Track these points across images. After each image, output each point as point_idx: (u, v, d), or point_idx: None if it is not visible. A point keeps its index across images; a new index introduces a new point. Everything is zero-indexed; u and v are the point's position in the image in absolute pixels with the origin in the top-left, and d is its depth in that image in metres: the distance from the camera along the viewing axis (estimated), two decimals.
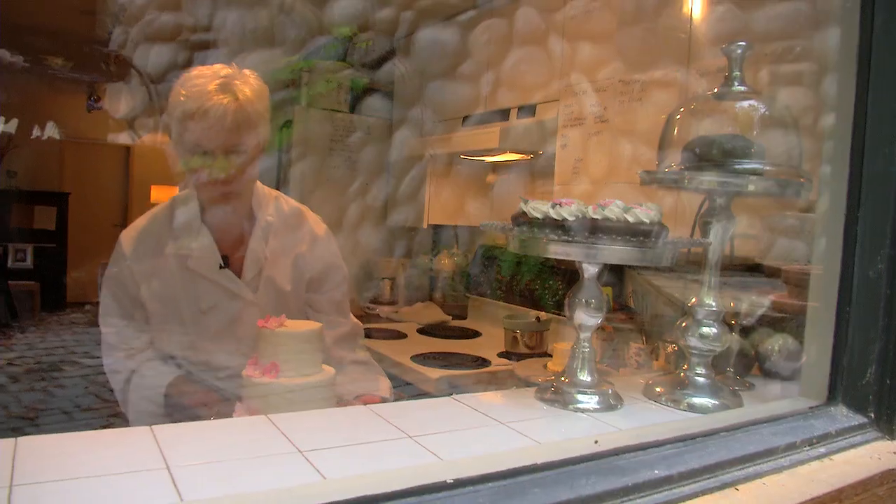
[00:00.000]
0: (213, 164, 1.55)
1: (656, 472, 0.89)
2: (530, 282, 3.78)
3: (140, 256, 1.65)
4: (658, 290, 2.66)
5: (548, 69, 3.61)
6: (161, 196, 7.70)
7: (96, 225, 8.56)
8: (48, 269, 7.66)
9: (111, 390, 1.69)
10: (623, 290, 3.31)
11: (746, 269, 1.98)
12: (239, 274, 1.71)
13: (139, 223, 1.73)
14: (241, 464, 0.89)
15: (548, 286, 3.68)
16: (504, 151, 3.63)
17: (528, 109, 3.67)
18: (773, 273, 1.95)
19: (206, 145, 1.54)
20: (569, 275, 3.56)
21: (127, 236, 1.70)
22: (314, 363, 1.45)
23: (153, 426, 1.00)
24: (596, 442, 0.91)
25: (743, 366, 1.63)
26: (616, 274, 3.23)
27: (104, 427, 3.26)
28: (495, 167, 4.10)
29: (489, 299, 3.99)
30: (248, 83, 1.59)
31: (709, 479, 0.93)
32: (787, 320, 1.72)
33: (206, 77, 1.56)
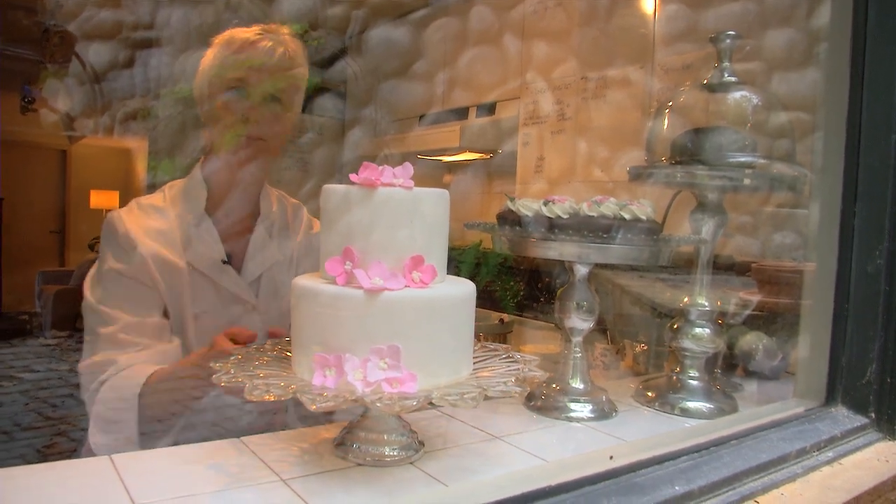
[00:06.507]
0: (251, 108, 1.38)
1: (676, 488, 0.82)
2: (490, 283, 3.71)
3: (151, 248, 1.38)
4: (622, 288, 2.62)
5: (505, 67, 3.55)
6: (101, 202, 7.39)
7: (32, 231, 8.19)
8: None
9: (53, 406, 1.45)
10: None
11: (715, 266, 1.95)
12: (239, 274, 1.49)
13: (132, 209, 1.45)
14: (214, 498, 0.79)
15: (508, 287, 3.62)
16: (463, 151, 3.57)
17: (487, 108, 3.61)
18: (741, 270, 1.93)
19: (249, 82, 1.39)
20: (528, 275, 3.50)
21: (130, 222, 1.40)
22: None
23: (113, 455, 0.89)
24: (611, 458, 0.84)
25: (727, 366, 1.59)
26: None
27: (47, 447, 3.07)
28: (451, 167, 4.03)
29: None
30: (292, 39, 1.45)
31: (728, 492, 0.87)
32: (759, 318, 1.68)
33: (245, 30, 1.42)
